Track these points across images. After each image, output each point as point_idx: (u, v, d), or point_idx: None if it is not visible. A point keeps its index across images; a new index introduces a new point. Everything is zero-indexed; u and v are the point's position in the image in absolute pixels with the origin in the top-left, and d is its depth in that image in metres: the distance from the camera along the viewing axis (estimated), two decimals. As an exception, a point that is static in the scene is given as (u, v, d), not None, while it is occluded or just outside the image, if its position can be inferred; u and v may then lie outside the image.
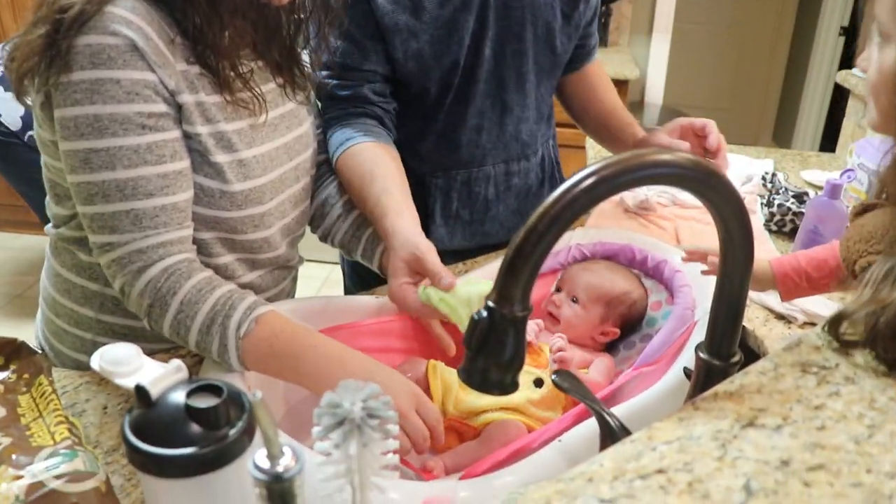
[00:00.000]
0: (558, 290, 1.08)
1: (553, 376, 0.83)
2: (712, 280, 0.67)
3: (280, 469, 0.47)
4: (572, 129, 1.49)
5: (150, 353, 0.64)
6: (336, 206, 1.11)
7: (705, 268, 0.99)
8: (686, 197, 1.50)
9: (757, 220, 1.46)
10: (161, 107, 0.82)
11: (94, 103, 0.78)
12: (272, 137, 0.96)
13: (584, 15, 1.23)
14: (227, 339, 0.81)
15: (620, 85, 2.80)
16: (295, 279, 1.14)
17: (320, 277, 3.20)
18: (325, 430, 0.49)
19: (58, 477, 0.62)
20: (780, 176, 1.58)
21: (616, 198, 1.50)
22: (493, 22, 1.13)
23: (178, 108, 0.84)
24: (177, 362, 0.53)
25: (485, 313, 0.57)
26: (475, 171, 1.25)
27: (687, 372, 0.83)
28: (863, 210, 0.85)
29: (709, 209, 0.59)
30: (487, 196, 1.28)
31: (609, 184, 0.54)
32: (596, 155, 1.78)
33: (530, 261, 0.54)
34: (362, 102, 1.13)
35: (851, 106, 2.01)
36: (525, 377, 0.92)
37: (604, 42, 3.37)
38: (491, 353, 0.58)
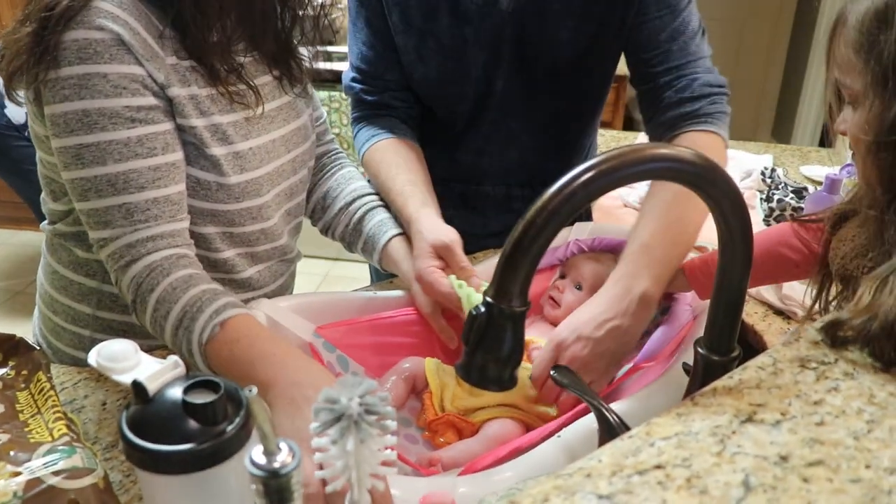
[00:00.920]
0: (562, 276, 1.08)
1: (552, 372, 0.83)
2: (711, 275, 0.67)
3: (277, 465, 0.47)
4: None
5: (148, 350, 0.64)
6: (337, 200, 1.11)
7: None
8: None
9: (756, 215, 1.46)
10: (150, 100, 0.81)
11: (83, 98, 0.78)
12: (269, 130, 0.96)
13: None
14: (192, 343, 0.79)
15: (620, 81, 2.79)
16: (293, 275, 1.14)
17: (320, 273, 3.21)
18: (323, 426, 0.49)
19: (56, 473, 0.61)
20: (779, 171, 1.58)
21: (615, 193, 1.50)
22: (507, 55, 1.11)
23: (169, 101, 0.84)
24: (174, 358, 0.53)
25: (483, 308, 0.57)
26: (473, 188, 1.25)
27: (686, 367, 0.82)
28: (838, 220, 0.84)
29: (708, 204, 0.59)
30: (486, 213, 1.27)
31: (608, 178, 0.54)
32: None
33: (528, 255, 0.54)
34: (387, 107, 1.17)
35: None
36: (523, 373, 0.91)
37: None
38: (489, 348, 0.58)
